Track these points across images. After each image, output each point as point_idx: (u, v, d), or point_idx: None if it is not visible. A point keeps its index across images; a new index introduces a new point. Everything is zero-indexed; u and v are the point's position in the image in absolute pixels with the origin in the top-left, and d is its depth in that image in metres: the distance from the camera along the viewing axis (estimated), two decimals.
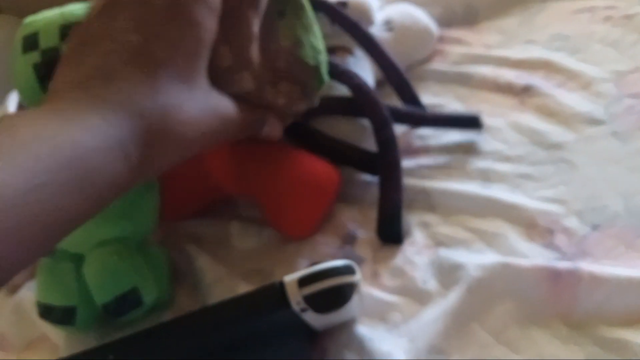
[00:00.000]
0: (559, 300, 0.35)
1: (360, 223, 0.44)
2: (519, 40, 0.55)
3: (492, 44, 0.55)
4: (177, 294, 0.44)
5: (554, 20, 0.55)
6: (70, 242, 0.41)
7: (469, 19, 0.58)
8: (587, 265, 0.36)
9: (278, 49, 0.38)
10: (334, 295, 0.35)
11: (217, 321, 0.36)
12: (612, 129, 0.45)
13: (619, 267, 0.36)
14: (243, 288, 0.41)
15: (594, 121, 0.46)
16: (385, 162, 0.44)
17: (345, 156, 0.46)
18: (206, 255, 0.45)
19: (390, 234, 0.43)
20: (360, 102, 0.46)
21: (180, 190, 0.46)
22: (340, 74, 0.47)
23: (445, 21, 0.58)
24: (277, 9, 0.38)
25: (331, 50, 0.55)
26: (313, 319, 0.35)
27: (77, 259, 0.41)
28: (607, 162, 0.43)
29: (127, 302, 0.40)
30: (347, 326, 0.38)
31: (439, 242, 0.42)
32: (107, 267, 0.40)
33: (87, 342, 0.41)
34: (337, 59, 0.52)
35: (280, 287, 0.35)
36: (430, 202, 0.44)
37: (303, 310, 0.35)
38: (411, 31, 0.55)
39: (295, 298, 0.34)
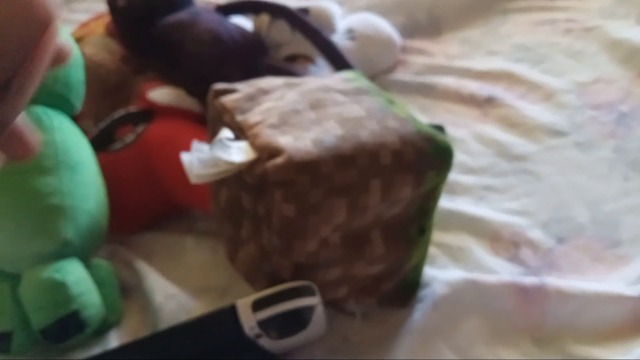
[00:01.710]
0: (527, 316, 0.34)
1: None
2: (481, 51, 0.54)
3: (454, 54, 0.55)
4: (126, 313, 0.41)
5: (516, 31, 0.55)
6: (4, 260, 0.37)
7: (432, 29, 0.58)
8: (553, 281, 0.35)
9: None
10: (292, 319, 0.32)
11: (166, 348, 0.33)
12: (575, 140, 0.44)
13: (586, 281, 0.35)
14: (195, 306, 0.38)
15: (557, 132, 0.45)
16: None
17: None
18: (157, 272, 0.42)
19: None
20: None
21: (131, 201, 0.43)
22: None
23: (408, 31, 0.57)
24: (418, 224, 0.34)
25: (292, 58, 0.54)
26: (269, 344, 0.33)
27: (13, 279, 0.37)
28: (571, 173, 0.42)
29: (68, 326, 0.36)
30: (308, 347, 0.36)
31: None
32: (45, 287, 0.36)
33: None
34: (299, 68, 0.50)
35: (233, 311, 0.32)
36: None
37: (258, 336, 0.32)
38: (374, 40, 0.54)
39: (249, 323, 0.31)
